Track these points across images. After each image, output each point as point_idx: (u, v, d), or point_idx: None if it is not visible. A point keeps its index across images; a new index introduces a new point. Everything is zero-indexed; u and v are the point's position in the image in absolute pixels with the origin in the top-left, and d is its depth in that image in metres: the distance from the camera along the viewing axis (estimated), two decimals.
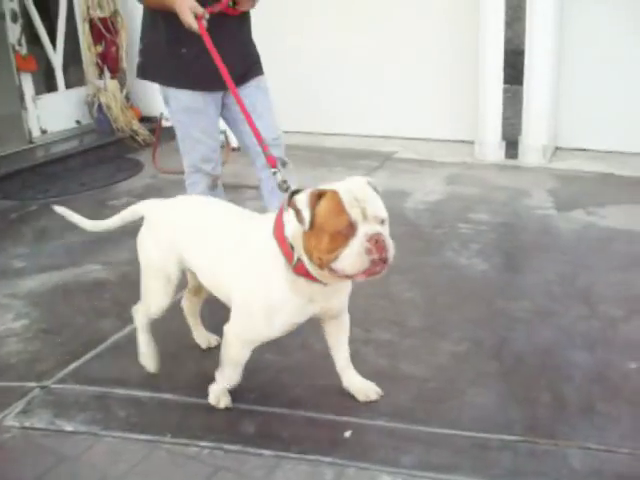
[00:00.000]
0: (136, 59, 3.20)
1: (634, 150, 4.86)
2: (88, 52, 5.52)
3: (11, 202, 4.60)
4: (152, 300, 2.54)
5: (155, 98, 5.66)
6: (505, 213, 4.02)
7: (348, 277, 2.01)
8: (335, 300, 2.24)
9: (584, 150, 5.03)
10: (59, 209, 2.72)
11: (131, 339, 2.82)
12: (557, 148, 5.11)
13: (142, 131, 5.48)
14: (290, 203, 2.00)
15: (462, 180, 4.61)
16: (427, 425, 2.29)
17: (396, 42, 5.27)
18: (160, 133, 5.16)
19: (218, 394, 2.42)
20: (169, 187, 4.56)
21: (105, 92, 5.46)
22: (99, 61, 5.51)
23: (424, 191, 4.40)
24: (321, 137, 5.40)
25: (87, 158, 5.06)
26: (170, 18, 2.85)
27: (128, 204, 2.79)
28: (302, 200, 1.96)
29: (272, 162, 2.49)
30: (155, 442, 2.28)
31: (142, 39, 3.12)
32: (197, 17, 2.78)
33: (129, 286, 3.35)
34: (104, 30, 5.45)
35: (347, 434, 2.28)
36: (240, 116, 2.87)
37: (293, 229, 2.06)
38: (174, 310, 2.73)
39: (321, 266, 1.99)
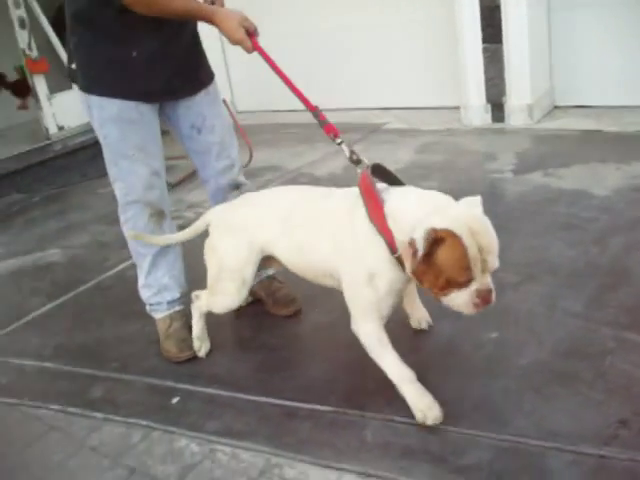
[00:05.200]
0: None
1: (633, 104, 4.46)
2: None
3: (19, 195, 5.05)
4: (222, 300, 2.47)
5: None
6: (458, 179, 3.85)
7: None
8: None
9: (583, 107, 4.68)
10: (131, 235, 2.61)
11: (49, 315, 3.11)
12: (556, 107, 4.80)
13: None
14: (410, 243, 1.90)
15: (434, 148, 4.46)
16: (248, 393, 2.34)
17: (376, 17, 5.20)
18: None
19: (421, 408, 2.08)
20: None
21: None
22: None
23: (389, 161, 4.22)
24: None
25: (95, 151, 5.34)
26: (116, 14, 2.29)
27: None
28: (421, 243, 1.87)
29: (333, 130, 2.28)
30: (14, 405, 2.51)
31: (74, 41, 2.44)
32: (249, 33, 2.34)
33: (73, 267, 3.64)
34: None
35: (175, 400, 2.38)
36: (187, 131, 2.58)
37: (402, 243, 1.97)
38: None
39: (431, 292, 1.98)
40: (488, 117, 4.69)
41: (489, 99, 4.65)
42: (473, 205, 2.00)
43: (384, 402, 2.18)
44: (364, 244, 2.07)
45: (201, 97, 2.58)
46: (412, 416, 2.08)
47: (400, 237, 1.98)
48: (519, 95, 4.53)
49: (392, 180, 2.18)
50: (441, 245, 1.87)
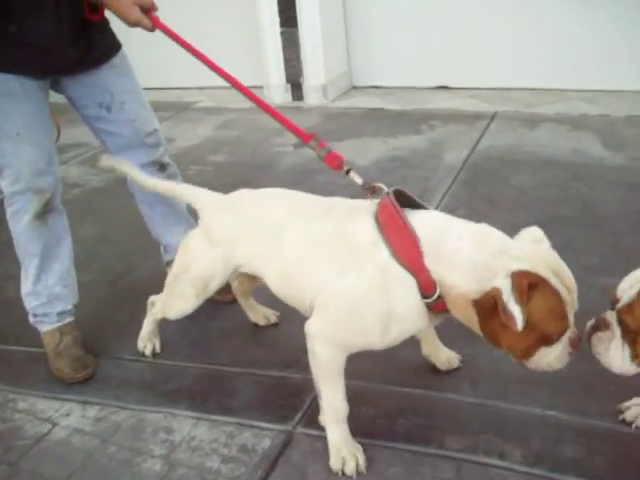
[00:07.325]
0: None
1: (418, 85, 5.00)
2: None
3: None
4: (178, 305, 2.24)
5: None
6: (243, 153, 4.23)
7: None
8: None
9: (377, 87, 5.18)
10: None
11: None
12: (354, 87, 5.26)
13: None
14: (492, 292, 1.56)
15: (233, 124, 4.80)
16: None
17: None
18: None
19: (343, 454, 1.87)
20: None
21: None
22: None
23: (188, 137, 4.62)
24: None
25: None
26: None
27: None
28: (508, 290, 1.53)
29: (338, 161, 2.03)
30: None
31: None
32: (146, 11, 2.18)
33: None
34: None
35: None
36: (95, 111, 2.35)
37: (456, 288, 1.64)
38: None
39: (514, 357, 1.68)
40: (288, 96, 5.08)
41: (288, 79, 5.04)
42: (538, 240, 1.68)
43: (118, 345, 2.50)
44: (387, 284, 1.70)
45: (106, 71, 2.36)
46: (137, 354, 2.42)
47: (452, 280, 1.64)
48: (314, 76, 4.95)
49: (415, 207, 1.83)
50: (535, 294, 1.55)
